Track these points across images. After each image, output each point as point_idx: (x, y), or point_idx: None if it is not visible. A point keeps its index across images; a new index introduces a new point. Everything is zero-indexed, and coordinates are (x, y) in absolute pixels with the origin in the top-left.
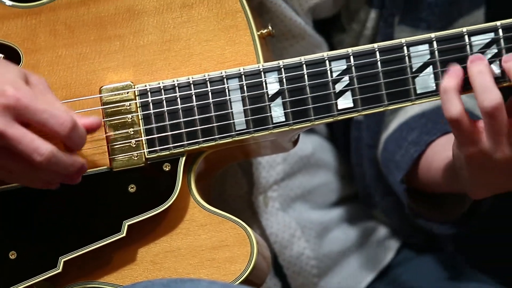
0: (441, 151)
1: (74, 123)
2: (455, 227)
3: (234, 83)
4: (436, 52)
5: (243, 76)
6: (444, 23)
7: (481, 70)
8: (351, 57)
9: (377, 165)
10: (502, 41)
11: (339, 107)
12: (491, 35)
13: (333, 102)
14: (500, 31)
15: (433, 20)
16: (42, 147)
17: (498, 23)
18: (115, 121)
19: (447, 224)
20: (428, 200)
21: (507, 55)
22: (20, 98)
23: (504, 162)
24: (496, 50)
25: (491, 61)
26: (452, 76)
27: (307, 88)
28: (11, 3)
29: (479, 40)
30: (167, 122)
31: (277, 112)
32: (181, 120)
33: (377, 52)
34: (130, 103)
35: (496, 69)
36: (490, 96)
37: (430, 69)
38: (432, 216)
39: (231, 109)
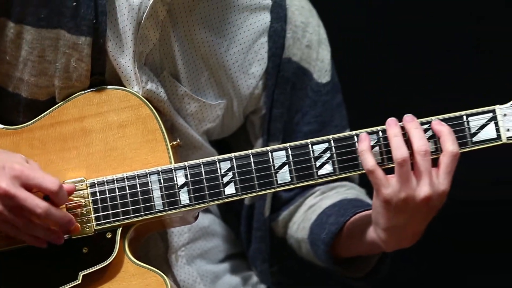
0: (356, 225)
1: (61, 184)
2: (368, 280)
3: (154, 178)
4: (290, 156)
5: (160, 173)
6: None
7: (396, 134)
8: (234, 159)
9: (261, 242)
10: (333, 148)
11: (226, 193)
12: (326, 144)
13: (222, 189)
14: (332, 142)
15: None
16: (41, 203)
17: (331, 137)
18: (73, 204)
19: (362, 279)
20: (348, 264)
21: (436, 121)
22: (23, 170)
23: (411, 202)
24: (329, 154)
25: (326, 162)
26: (363, 141)
27: (204, 180)
28: (2, 126)
29: (318, 149)
30: (109, 204)
31: (184, 197)
32: (118, 202)
33: (251, 156)
34: (83, 192)
35: (330, 167)
36: (400, 151)
37: (286, 167)
38: (353, 275)
39: (153, 195)
